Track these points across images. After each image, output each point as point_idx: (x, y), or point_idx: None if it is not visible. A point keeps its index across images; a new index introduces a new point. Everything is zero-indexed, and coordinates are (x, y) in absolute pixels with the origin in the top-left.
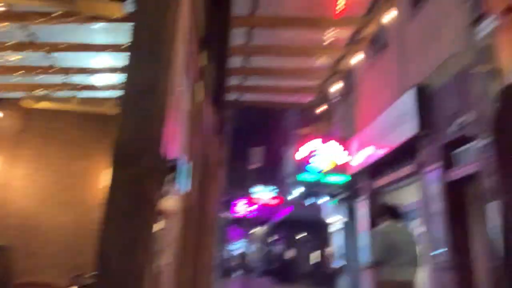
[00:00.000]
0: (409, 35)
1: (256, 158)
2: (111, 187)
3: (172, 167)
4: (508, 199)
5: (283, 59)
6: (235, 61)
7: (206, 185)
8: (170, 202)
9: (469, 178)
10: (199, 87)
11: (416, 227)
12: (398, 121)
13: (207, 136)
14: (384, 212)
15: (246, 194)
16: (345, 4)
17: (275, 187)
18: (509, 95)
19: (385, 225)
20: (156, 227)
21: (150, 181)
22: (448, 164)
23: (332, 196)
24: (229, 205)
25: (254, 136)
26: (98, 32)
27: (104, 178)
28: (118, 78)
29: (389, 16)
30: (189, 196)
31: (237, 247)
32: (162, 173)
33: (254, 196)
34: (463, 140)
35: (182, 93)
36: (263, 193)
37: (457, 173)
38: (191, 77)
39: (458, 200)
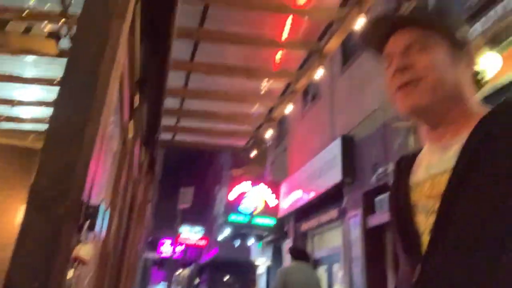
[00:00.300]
0: (339, 89)
1: (186, 198)
2: (23, 230)
3: (92, 213)
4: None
5: (219, 104)
6: (172, 102)
7: (130, 227)
8: (87, 249)
9: (387, 225)
10: (130, 127)
11: (337, 270)
12: (325, 168)
13: (135, 177)
14: (290, 253)
15: (173, 234)
16: (281, 59)
17: (203, 227)
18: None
19: (288, 265)
20: (70, 274)
21: (66, 227)
22: (369, 211)
23: (260, 238)
24: (155, 245)
25: (187, 176)
26: (29, 65)
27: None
28: (46, 112)
29: (320, 72)
30: (106, 242)
31: None
32: (80, 219)
33: (181, 236)
34: (383, 188)
35: (112, 133)
36: (191, 234)
37: (376, 219)
38: (123, 117)
39: (377, 245)
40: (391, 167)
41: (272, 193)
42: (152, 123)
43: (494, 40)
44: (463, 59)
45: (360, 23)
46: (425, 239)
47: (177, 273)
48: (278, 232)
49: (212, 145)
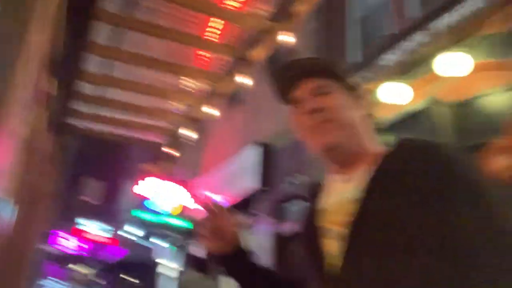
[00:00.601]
0: (264, 96)
1: (94, 191)
2: None
3: None
4: None
5: (141, 97)
6: (89, 89)
7: (29, 218)
8: None
9: (297, 235)
10: (40, 113)
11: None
12: (242, 173)
13: (41, 165)
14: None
15: (77, 229)
16: (208, 60)
17: (110, 225)
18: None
19: (186, 274)
20: None
21: None
22: (280, 219)
23: (173, 241)
24: (55, 238)
25: (97, 169)
26: None
27: None
28: None
29: (246, 79)
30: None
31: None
32: None
33: (87, 232)
34: (295, 198)
35: (20, 119)
36: (98, 231)
37: (287, 228)
38: (34, 102)
39: (286, 253)
40: (304, 178)
41: (187, 194)
42: (65, 110)
43: (405, 71)
44: (358, 101)
45: (287, 38)
46: (332, 261)
47: (79, 270)
48: (191, 235)
49: (129, 137)
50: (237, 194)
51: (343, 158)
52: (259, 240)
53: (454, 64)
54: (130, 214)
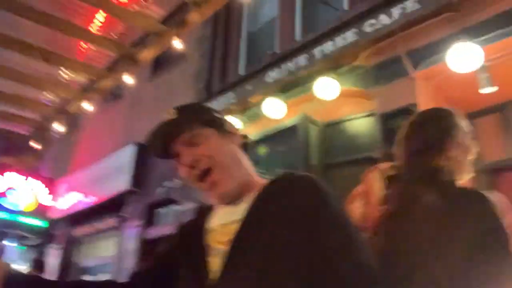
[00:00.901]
0: (143, 95)
1: None
2: None
3: None
4: None
5: (8, 83)
6: None
7: None
8: None
9: (164, 239)
10: None
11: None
12: (113, 173)
13: None
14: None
15: None
16: (88, 53)
17: None
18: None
19: None
20: None
21: None
22: (149, 223)
23: (21, 240)
24: None
25: None
26: None
27: None
28: None
29: (128, 78)
30: None
31: None
32: None
33: None
34: (166, 202)
35: None
36: None
37: (154, 232)
38: None
39: (151, 258)
40: (176, 183)
41: (48, 191)
42: None
43: (285, 89)
44: (231, 137)
45: (177, 43)
46: (214, 277)
47: None
48: (45, 235)
49: None
50: (107, 194)
51: (234, 197)
52: (126, 243)
53: (326, 88)
54: None
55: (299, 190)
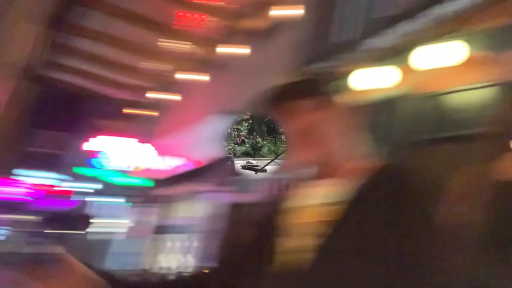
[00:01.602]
0: (245, 64)
1: (49, 142)
2: None
3: None
4: None
5: (113, 51)
6: (62, 39)
7: None
8: None
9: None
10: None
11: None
12: (209, 140)
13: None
14: None
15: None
16: (200, 21)
17: (63, 177)
18: None
19: None
20: None
21: None
22: (237, 189)
23: (126, 198)
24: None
25: (53, 120)
26: None
27: None
28: None
29: (238, 47)
30: None
31: None
32: None
33: (34, 180)
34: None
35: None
36: (45, 180)
37: (242, 198)
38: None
39: (237, 223)
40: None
41: (154, 154)
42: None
43: (395, 54)
44: (345, 113)
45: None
46: (289, 258)
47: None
48: (147, 195)
49: (94, 91)
50: (200, 159)
51: (329, 170)
52: (216, 207)
53: (450, 52)
54: (81, 169)
55: (405, 182)
